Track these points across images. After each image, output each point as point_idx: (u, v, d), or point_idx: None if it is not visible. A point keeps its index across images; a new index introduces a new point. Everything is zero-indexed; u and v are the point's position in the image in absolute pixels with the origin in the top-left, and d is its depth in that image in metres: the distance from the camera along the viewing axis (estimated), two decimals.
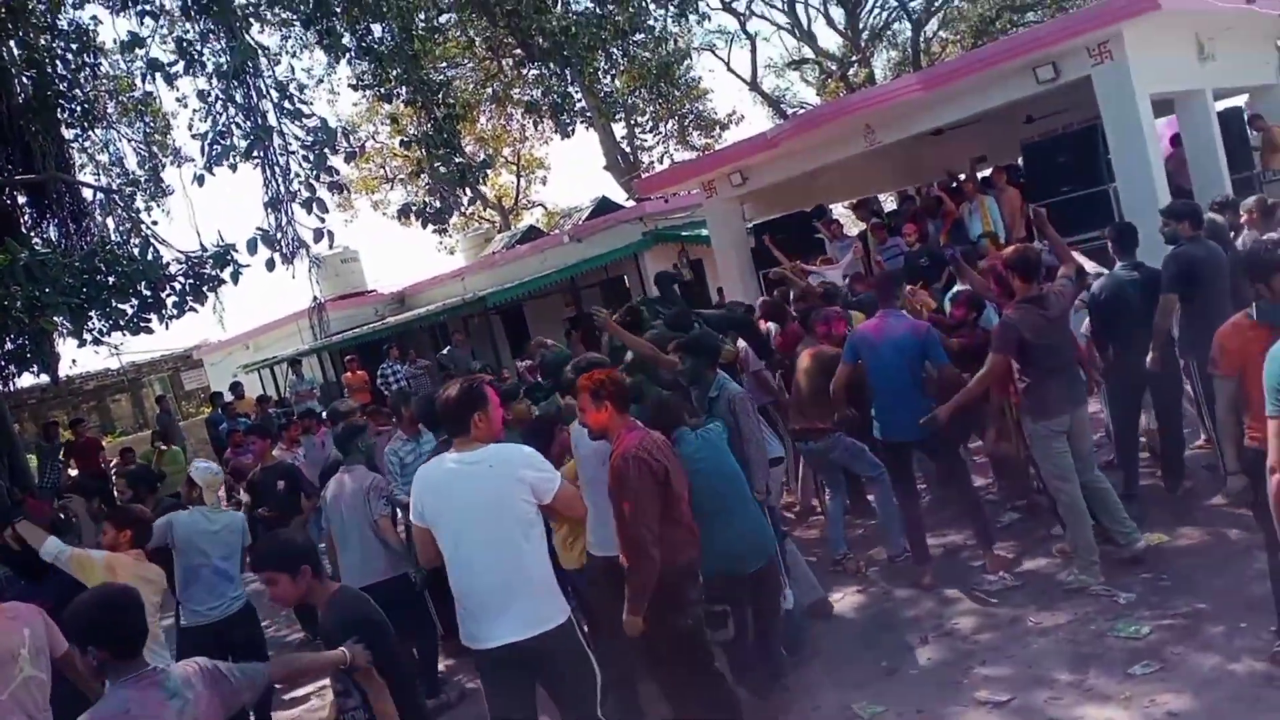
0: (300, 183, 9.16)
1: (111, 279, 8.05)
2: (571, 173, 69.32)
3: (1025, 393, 5.43)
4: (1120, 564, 5.52)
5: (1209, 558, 5.43)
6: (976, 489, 6.59)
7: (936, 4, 29.41)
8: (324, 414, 7.76)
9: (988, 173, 12.39)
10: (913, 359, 5.87)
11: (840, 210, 16.78)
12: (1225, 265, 6.01)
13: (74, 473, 15.04)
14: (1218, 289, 5.95)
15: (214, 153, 8.83)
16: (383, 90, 11.55)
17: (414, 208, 9.75)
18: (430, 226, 8.90)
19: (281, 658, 3.54)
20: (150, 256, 8.60)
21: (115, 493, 14.10)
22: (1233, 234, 7.09)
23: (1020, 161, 11.94)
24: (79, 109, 12.20)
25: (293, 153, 9.20)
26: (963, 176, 12.22)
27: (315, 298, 10.71)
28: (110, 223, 12.44)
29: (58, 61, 11.47)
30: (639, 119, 30.07)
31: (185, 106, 37.63)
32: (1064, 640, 4.89)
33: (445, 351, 17.09)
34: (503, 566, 3.54)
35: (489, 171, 11.53)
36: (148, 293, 8.30)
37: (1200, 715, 3.95)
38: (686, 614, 4.02)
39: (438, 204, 9.57)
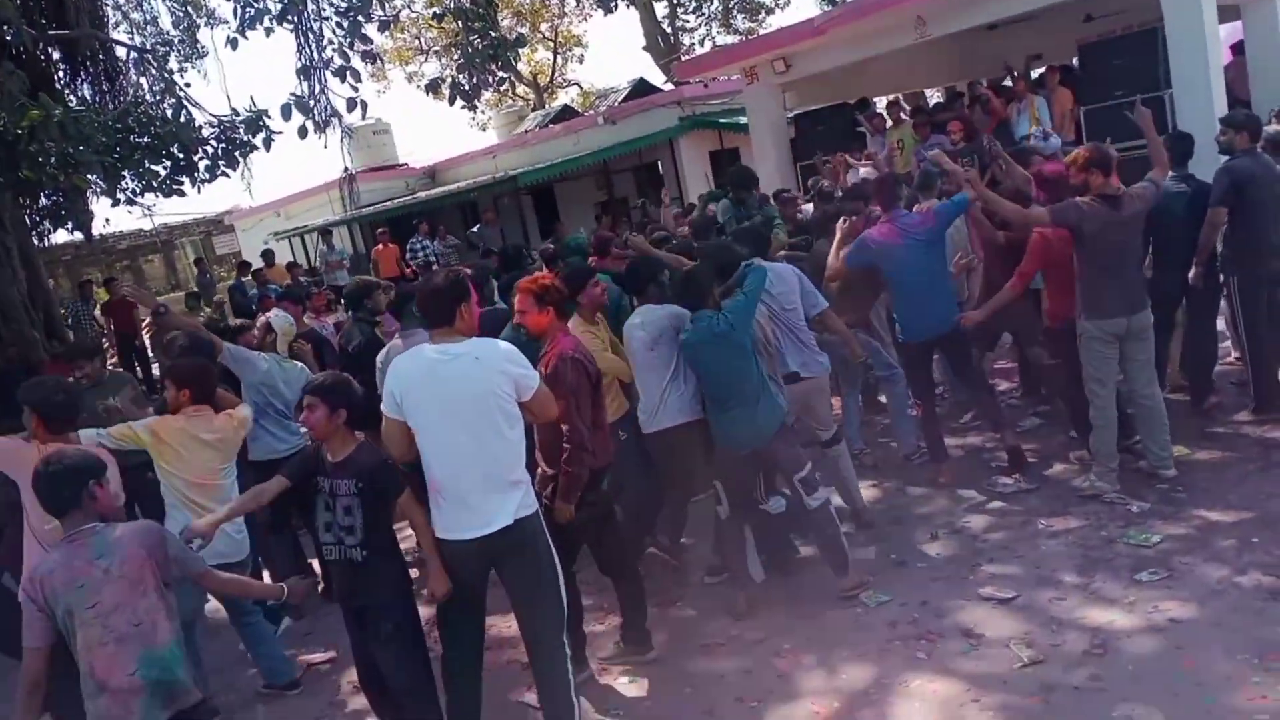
0: (334, 50, 9.04)
1: (144, 139, 8.05)
2: (610, 52, 67.74)
3: (1080, 287, 5.33)
4: (1139, 475, 5.55)
5: (1228, 473, 5.44)
6: (993, 388, 6.64)
7: None
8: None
9: (1041, 72, 12.01)
10: (931, 252, 5.82)
11: (885, 104, 16.34)
12: (1278, 181, 5.87)
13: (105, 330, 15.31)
14: (1268, 205, 5.82)
15: (248, 15, 8.69)
16: None
17: (445, 83, 9.57)
18: (460, 104, 8.76)
19: (219, 574, 3.63)
20: (183, 118, 8.57)
21: (150, 351, 14.41)
22: None
23: (1075, 62, 11.55)
24: None
25: (326, 19, 9.05)
26: (1015, 74, 11.85)
27: (346, 168, 10.67)
28: (144, 83, 12.36)
29: None
30: None
31: None
32: (1073, 544, 4.95)
33: (475, 229, 17.22)
34: (485, 459, 3.53)
35: (523, 49, 11.26)
36: (180, 155, 8.30)
37: (1202, 624, 4.02)
38: (579, 509, 4.27)
39: (469, 81, 9.37)
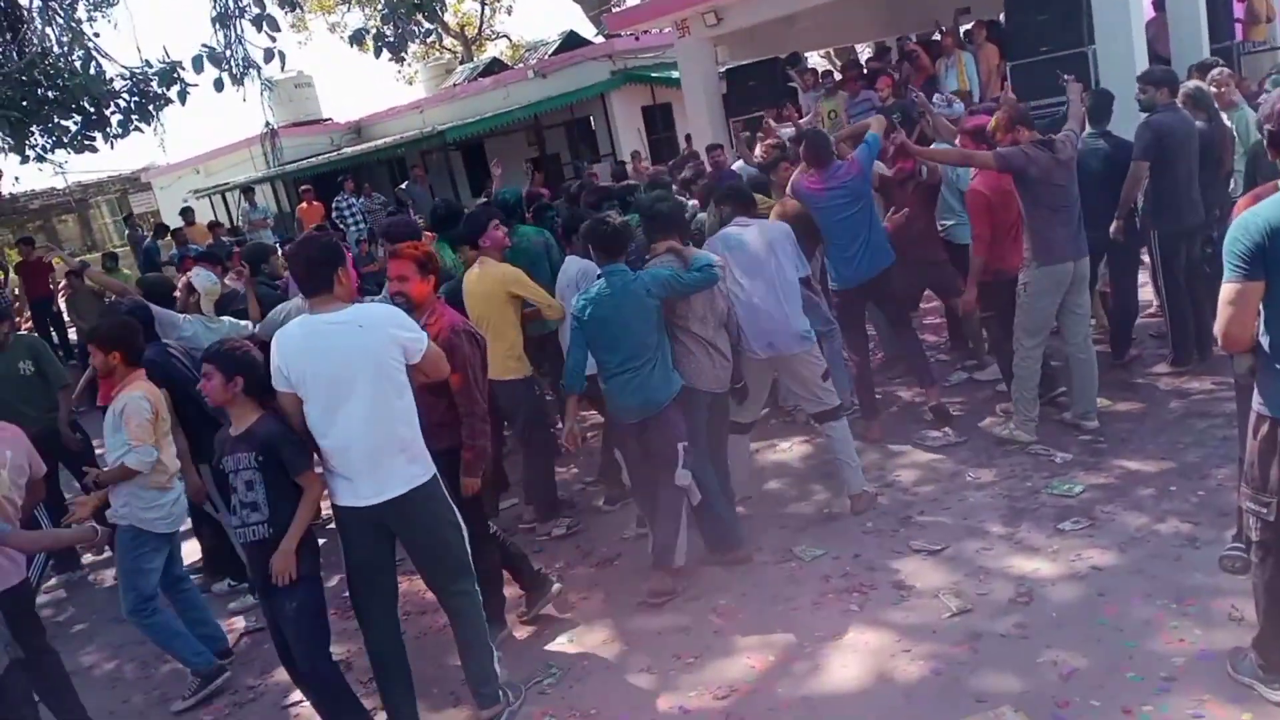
0: None
1: (52, 93, 7.69)
2: (539, 3, 66.58)
3: (1029, 235, 5.37)
4: (1062, 426, 5.67)
5: (1146, 424, 5.59)
6: (920, 340, 6.70)
7: None
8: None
9: (968, 28, 12.09)
10: (860, 197, 5.84)
11: (816, 59, 16.38)
12: (1196, 136, 5.98)
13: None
14: (1187, 159, 5.93)
15: None
16: None
17: (369, 34, 9.28)
18: (386, 56, 8.47)
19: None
20: (93, 70, 8.19)
21: (65, 317, 13.91)
22: None
23: (1002, 17, 11.64)
24: None
25: None
26: (944, 29, 11.90)
27: (268, 123, 10.33)
28: (50, 33, 11.79)
29: None
30: None
31: None
32: (999, 495, 5.05)
33: (403, 186, 16.93)
34: (376, 428, 3.49)
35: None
36: (91, 109, 7.95)
37: (1122, 571, 4.13)
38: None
39: (395, 32, 9.10)
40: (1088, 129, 6.09)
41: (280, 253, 6.90)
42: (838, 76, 12.87)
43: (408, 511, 3.58)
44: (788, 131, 10.21)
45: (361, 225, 14.94)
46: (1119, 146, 6.09)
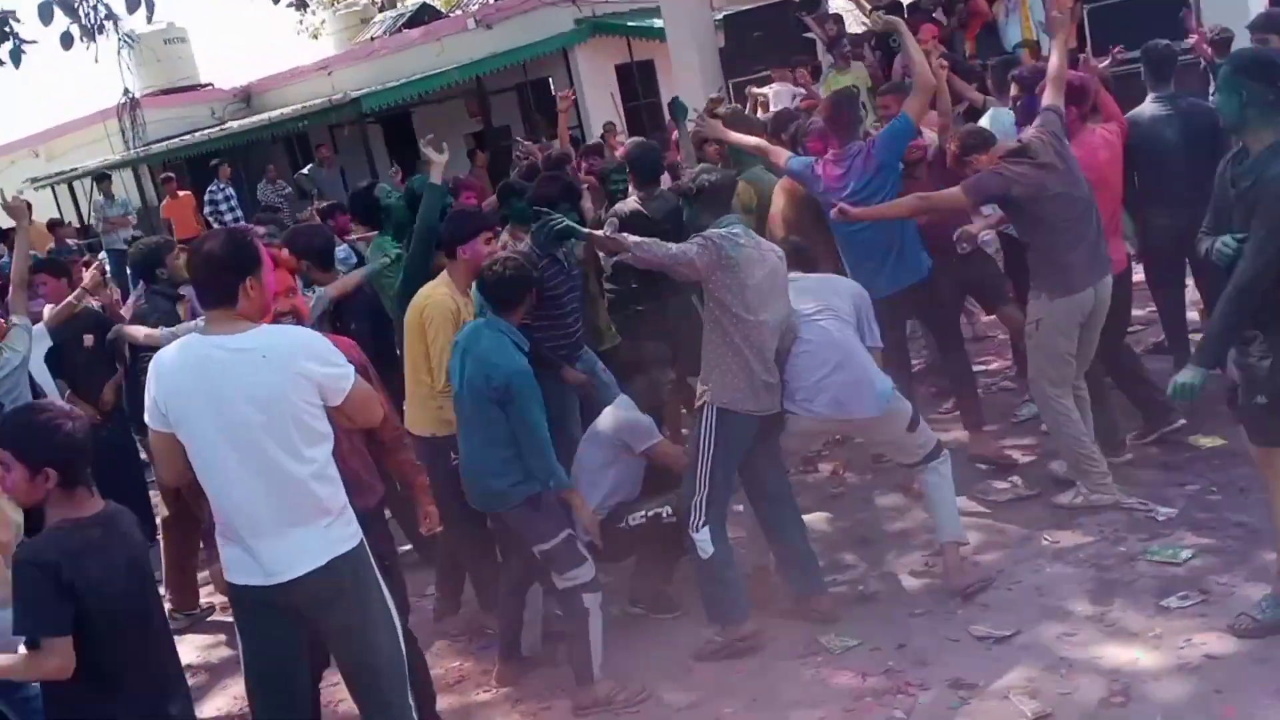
0: None
1: None
2: None
3: (1035, 262, 5.51)
4: (1161, 469, 5.71)
5: None
6: (971, 364, 6.82)
7: None
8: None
9: None
10: (882, 193, 5.92)
11: (840, 2, 16.53)
12: None
13: None
14: None
15: None
16: None
17: None
18: (285, 1, 8.44)
19: None
20: None
21: None
22: None
23: None
24: None
25: None
26: None
27: (127, 91, 10.35)
28: None
29: None
30: None
31: None
32: (1085, 564, 5.05)
33: (304, 171, 17.02)
34: (281, 488, 3.48)
35: None
36: None
37: (1244, 660, 4.11)
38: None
39: None
40: (1150, 94, 6.24)
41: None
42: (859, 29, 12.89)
43: (326, 590, 3.57)
44: (767, 91, 10.46)
45: (240, 218, 15.18)
46: (1193, 110, 6.21)
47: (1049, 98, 5.62)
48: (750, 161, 6.90)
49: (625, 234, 5.08)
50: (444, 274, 5.45)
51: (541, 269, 5.43)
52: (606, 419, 5.25)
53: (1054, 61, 5.71)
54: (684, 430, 6.22)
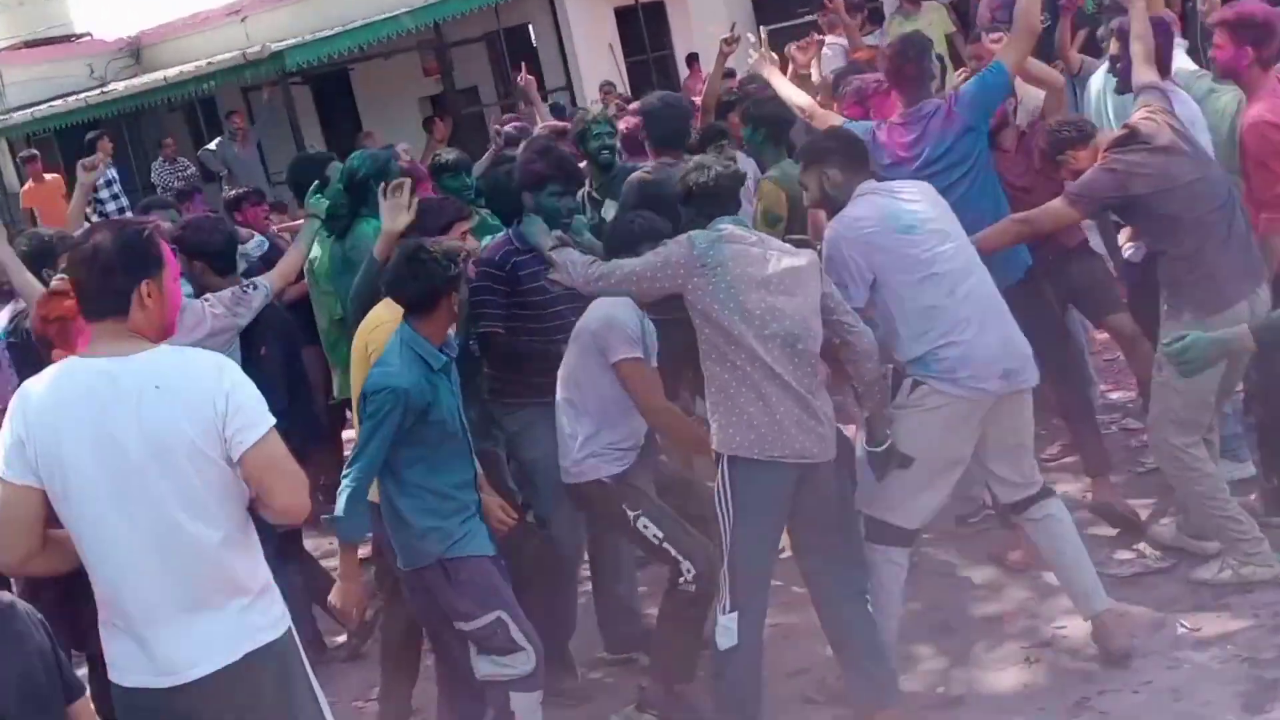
0: None
1: None
2: None
3: (1167, 274, 5.49)
4: None
5: None
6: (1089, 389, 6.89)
7: None
8: None
9: None
10: (964, 164, 5.91)
11: None
12: None
13: None
14: None
15: None
16: None
17: None
18: None
19: None
20: None
21: None
22: None
23: None
24: None
25: None
26: None
27: None
28: None
29: None
30: None
31: None
32: (1234, 658, 5.01)
33: (212, 146, 16.89)
34: (182, 559, 3.44)
35: None
36: None
37: None
38: None
39: None
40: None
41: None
42: None
43: (242, 694, 3.51)
44: (834, 51, 10.40)
45: (125, 208, 15.25)
46: None
47: (1142, 74, 5.68)
48: (775, 154, 6.79)
49: (564, 249, 5.16)
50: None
51: (511, 268, 5.51)
52: (594, 311, 5.33)
53: (1137, 25, 5.81)
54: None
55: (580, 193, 6.67)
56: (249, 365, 5.73)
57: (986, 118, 6.07)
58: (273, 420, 3.58)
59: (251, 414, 3.53)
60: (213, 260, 6.22)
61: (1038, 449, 7.10)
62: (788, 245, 5.18)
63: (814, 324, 4.90)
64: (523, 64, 12.13)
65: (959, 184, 5.86)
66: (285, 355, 6.23)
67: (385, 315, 5.31)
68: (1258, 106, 5.76)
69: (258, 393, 3.60)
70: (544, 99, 19.34)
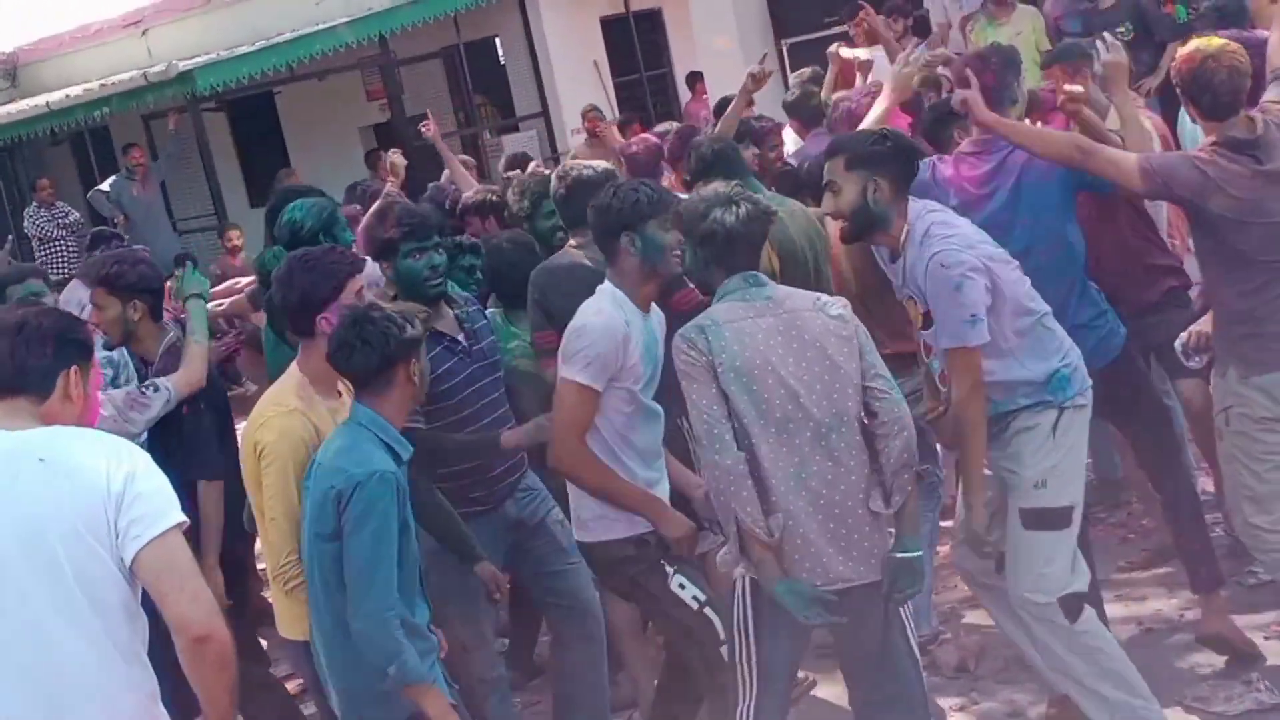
0: None
1: None
2: None
3: (1222, 319, 5.59)
4: None
5: None
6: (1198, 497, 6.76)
7: None
8: None
9: None
10: (1061, 211, 6.01)
11: None
12: None
13: None
14: None
15: None
16: None
17: None
18: None
19: None
20: None
21: None
22: None
23: None
24: None
25: None
26: None
27: None
28: None
29: None
30: None
31: None
32: None
33: (105, 186, 17.13)
34: (43, 680, 3.47)
35: None
36: None
37: None
38: None
39: None
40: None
41: None
42: None
43: None
44: (862, 54, 10.65)
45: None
46: None
47: (1276, 57, 5.77)
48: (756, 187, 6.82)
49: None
50: (292, 369, 5.41)
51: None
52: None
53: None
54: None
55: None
56: (170, 432, 5.98)
57: (1079, 187, 6.08)
58: (180, 519, 3.61)
59: (154, 504, 3.56)
60: (155, 301, 6.37)
61: (1115, 552, 7.25)
62: (818, 298, 5.18)
63: (852, 404, 4.92)
64: (427, 112, 12.42)
65: (1037, 245, 5.90)
66: (217, 412, 6.32)
67: (279, 408, 5.28)
68: None
69: (167, 485, 3.63)
70: (515, 128, 19.53)
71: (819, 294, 5.28)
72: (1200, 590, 6.31)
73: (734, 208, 4.98)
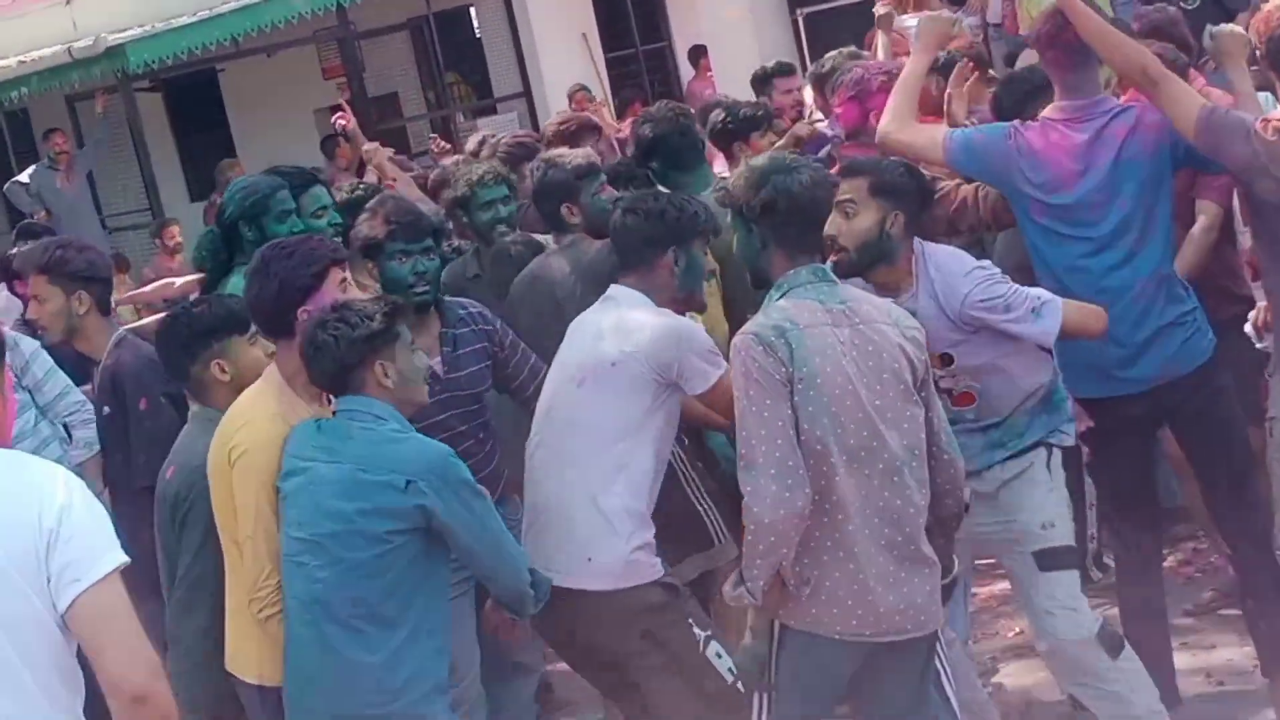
0: None
1: None
2: None
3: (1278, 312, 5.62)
4: None
5: None
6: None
7: None
8: None
9: None
10: (1159, 190, 6.00)
11: None
12: None
13: None
14: None
15: None
16: None
17: None
18: None
19: None
20: None
21: None
22: None
23: None
24: None
25: None
26: None
27: None
28: None
29: None
30: None
31: None
32: None
33: (24, 177, 17.37)
34: None
35: None
36: None
37: None
38: None
39: None
40: None
41: None
42: None
43: None
44: (910, 23, 10.46)
45: None
46: None
47: None
48: (697, 178, 6.92)
49: None
50: (270, 371, 5.47)
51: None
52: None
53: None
54: None
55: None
56: (121, 430, 6.21)
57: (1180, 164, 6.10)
58: (120, 560, 3.55)
59: (90, 544, 3.52)
60: (103, 292, 6.52)
61: (1178, 594, 7.16)
62: (890, 306, 5.19)
63: (919, 436, 4.95)
64: (344, 104, 12.52)
65: (1131, 229, 5.94)
66: (175, 403, 6.26)
67: (253, 411, 5.32)
68: None
69: (106, 520, 3.60)
70: (493, 110, 19.63)
71: (890, 301, 5.27)
72: (1264, 654, 6.29)
73: (795, 173, 4.93)
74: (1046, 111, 6.16)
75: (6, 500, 3.47)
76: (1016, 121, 6.20)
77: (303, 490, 4.99)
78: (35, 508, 3.46)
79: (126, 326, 6.98)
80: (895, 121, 6.33)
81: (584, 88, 15.22)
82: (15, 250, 8.94)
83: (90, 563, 3.48)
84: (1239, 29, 6.21)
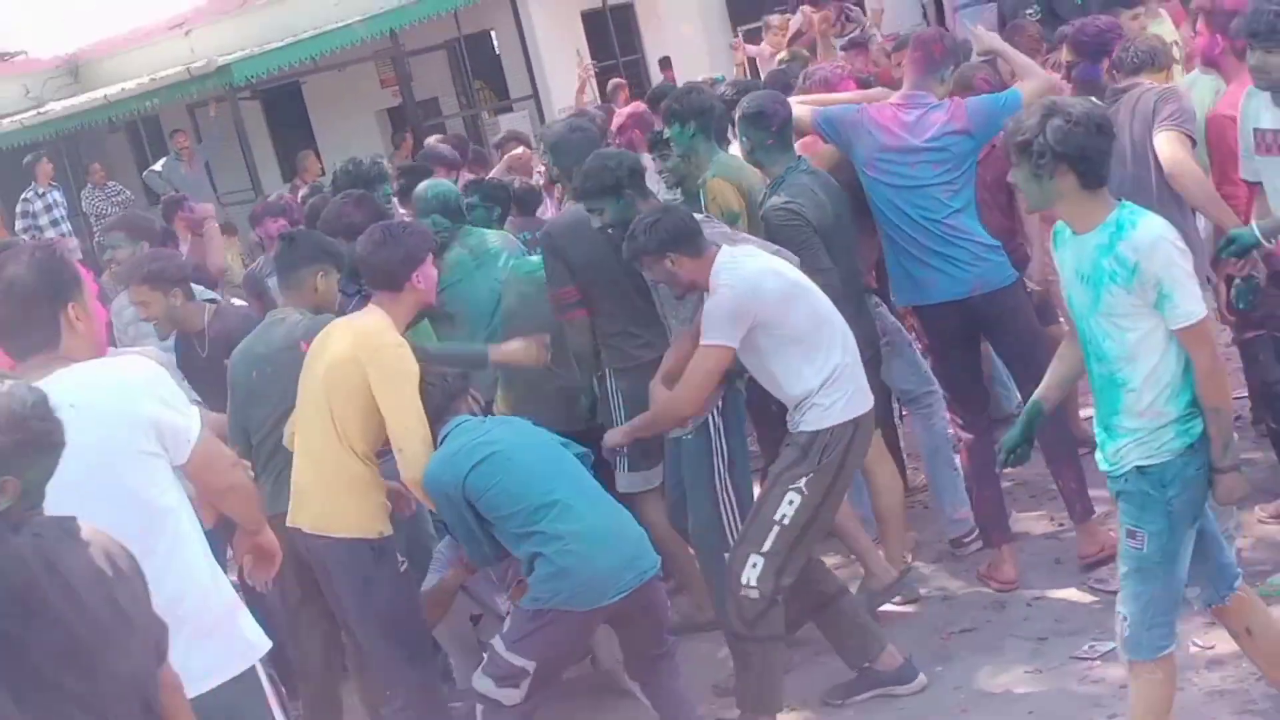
0: None
1: None
2: None
3: None
4: None
5: None
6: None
7: None
8: None
9: None
10: (959, 167, 6.49)
11: None
12: None
13: None
14: None
15: None
16: None
17: None
18: None
19: None
20: None
21: None
22: None
23: None
24: None
25: None
26: None
27: None
28: None
29: None
30: None
31: None
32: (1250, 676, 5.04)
33: (158, 167, 17.88)
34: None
35: None
36: None
37: None
38: None
39: None
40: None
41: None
42: None
43: None
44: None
45: (68, 233, 15.52)
46: None
47: None
48: (709, 149, 6.80)
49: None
50: (374, 310, 5.54)
51: None
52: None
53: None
54: None
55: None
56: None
57: (989, 134, 6.38)
58: (197, 419, 3.82)
59: (181, 419, 3.77)
60: (185, 285, 6.68)
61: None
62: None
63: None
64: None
65: (940, 179, 6.34)
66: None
67: (376, 325, 5.49)
68: (1223, 100, 6.11)
69: (179, 393, 3.79)
70: (509, 109, 20.17)
71: None
72: (1074, 515, 6.58)
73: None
74: (892, 98, 6.63)
75: (108, 404, 3.65)
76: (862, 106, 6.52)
77: None
78: (140, 401, 3.71)
79: (205, 298, 7.05)
80: (801, 106, 6.72)
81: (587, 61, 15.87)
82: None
83: (185, 430, 3.81)
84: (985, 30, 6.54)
